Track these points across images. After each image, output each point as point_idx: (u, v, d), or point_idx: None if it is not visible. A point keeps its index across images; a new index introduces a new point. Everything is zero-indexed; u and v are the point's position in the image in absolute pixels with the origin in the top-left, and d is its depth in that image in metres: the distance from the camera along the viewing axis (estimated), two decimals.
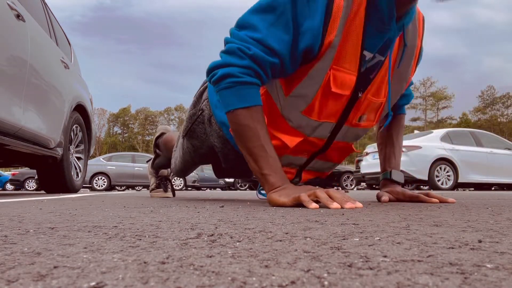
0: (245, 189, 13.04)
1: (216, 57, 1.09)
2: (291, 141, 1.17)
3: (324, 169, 1.41)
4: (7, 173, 16.69)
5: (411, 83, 1.44)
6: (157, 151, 2.16)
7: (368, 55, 1.10)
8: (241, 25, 1.06)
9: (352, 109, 1.17)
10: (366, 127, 1.27)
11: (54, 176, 3.08)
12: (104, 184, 11.49)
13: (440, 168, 6.97)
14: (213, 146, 1.45)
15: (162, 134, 2.14)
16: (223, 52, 1.06)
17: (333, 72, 1.06)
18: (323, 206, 0.93)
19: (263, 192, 1.47)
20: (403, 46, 1.16)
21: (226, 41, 1.07)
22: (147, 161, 2.38)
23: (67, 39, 3.50)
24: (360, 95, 1.14)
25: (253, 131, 1.02)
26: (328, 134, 1.22)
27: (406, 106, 1.52)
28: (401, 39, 1.15)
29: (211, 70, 1.07)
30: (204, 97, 1.43)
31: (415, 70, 1.31)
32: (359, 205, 0.94)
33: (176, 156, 1.70)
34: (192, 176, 13.50)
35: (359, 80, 1.11)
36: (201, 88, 1.50)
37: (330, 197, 0.93)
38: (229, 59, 1.03)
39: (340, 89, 1.08)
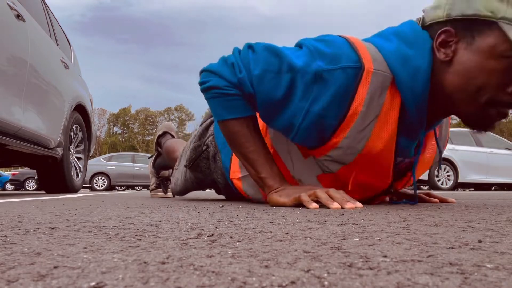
0: None
1: (217, 57, 1.09)
2: None
3: None
4: (7, 173, 16.67)
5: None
6: (159, 149, 2.15)
7: (398, 159, 1.08)
8: (254, 48, 1.02)
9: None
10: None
11: (54, 176, 3.08)
12: (104, 184, 11.49)
13: (440, 168, 6.97)
14: (216, 182, 1.45)
15: (164, 133, 2.13)
16: (223, 58, 1.05)
17: (356, 175, 1.04)
18: (323, 206, 0.92)
19: None
20: (438, 152, 1.15)
21: (233, 51, 1.06)
22: (149, 157, 2.37)
23: (67, 39, 3.50)
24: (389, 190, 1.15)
25: (246, 137, 1.02)
26: None
27: None
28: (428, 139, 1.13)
29: (203, 73, 1.07)
30: (210, 132, 1.42)
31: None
32: (359, 205, 0.94)
33: (177, 178, 1.68)
34: None
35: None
36: (208, 121, 1.48)
37: (330, 197, 0.93)
38: (223, 70, 1.02)
39: (363, 192, 1.10)
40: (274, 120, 1.02)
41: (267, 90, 0.98)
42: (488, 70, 0.87)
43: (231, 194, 1.48)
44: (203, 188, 1.65)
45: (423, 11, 0.99)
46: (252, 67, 0.99)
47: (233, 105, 1.02)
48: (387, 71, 0.92)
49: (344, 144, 0.97)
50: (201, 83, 1.07)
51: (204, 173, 1.47)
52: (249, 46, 1.03)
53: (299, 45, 1.01)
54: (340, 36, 0.99)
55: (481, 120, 0.93)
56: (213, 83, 1.02)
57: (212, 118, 1.44)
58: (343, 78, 0.91)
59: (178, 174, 1.67)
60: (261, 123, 1.16)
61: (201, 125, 1.52)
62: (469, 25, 0.89)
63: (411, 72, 0.91)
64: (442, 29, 0.92)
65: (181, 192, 1.72)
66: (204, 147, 1.43)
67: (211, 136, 1.40)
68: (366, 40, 1.01)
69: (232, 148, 1.08)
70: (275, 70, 0.96)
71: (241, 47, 1.06)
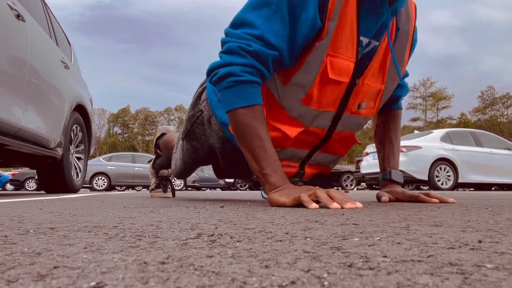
0: (245, 189, 13.04)
1: (216, 57, 1.09)
2: (292, 131, 1.16)
3: (327, 163, 1.40)
4: (7, 173, 16.67)
5: (406, 75, 1.43)
6: (158, 151, 2.16)
7: (364, 40, 1.10)
8: (237, 23, 1.06)
9: (351, 96, 1.16)
10: (367, 115, 1.26)
11: (54, 176, 3.08)
12: (104, 184, 11.49)
13: (440, 168, 6.97)
14: (213, 147, 1.45)
15: (163, 134, 2.15)
16: (222, 52, 1.06)
17: (330, 59, 1.06)
18: (323, 206, 0.93)
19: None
20: (396, 30, 1.16)
21: (224, 41, 1.07)
22: (149, 161, 2.39)
23: (67, 39, 3.50)
24: (357, 81, 1.14)
25: (254, 131, 1.02)
26: (329, 123, 1.21)
27: (405, 107, 1.53)
28: (394, 24, 1.15)
29: (211, 70, 1.07)
30: (203, 98, 1.43)
31: (408, 58, 1.31)
32: (359, 205, 0.94)
33: (176, 158, 1.70)
34: (192, 176, 13.50)
35: (356, 67, 1.10)
36: (199, 89, 1.49)
37: (330, 197, 0.94)
38: (230, 59, 1.03)
39: (338, 76, 1.08)
40: (296, 52, 1.06)
41: (279, 32, 1.02)
42: None
43: (229, 158, 1.45)
44: (202, 162, 1.64)
45: None
46: (253, 32, 1.03)
47: (246, 93, 1.03)
48: None
49: (331, 28, 1.03)
50: (212, 76, 1.07)
51: (200, 140, 1.48)
52: (231, 27, 1.07)
53: None
54: None
55: None
56: (226, 71, 1.03)
57: (204, 85, 1.45)
58: None
59: (177, 155, 1.68)
60: None
61: (193, 97, 1.53)
62: None
63: None
64: None
65: (181, 171, 1.73)
66: (199, 113, 1.44)
67: (205, 101, 1.41)
68: None
69: (238, 141, 1.08)
70: (270, 14, 1.02)
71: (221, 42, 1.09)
